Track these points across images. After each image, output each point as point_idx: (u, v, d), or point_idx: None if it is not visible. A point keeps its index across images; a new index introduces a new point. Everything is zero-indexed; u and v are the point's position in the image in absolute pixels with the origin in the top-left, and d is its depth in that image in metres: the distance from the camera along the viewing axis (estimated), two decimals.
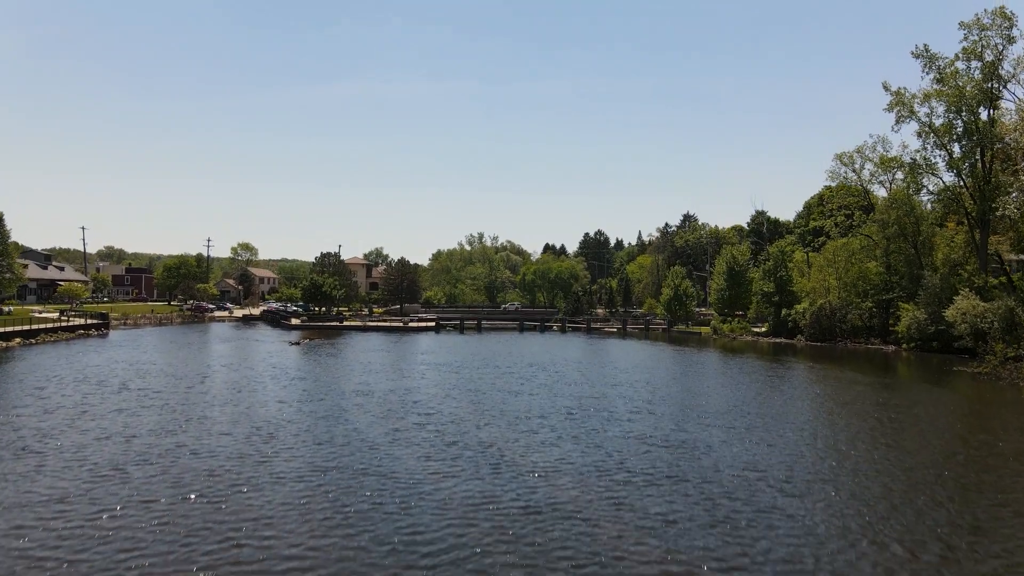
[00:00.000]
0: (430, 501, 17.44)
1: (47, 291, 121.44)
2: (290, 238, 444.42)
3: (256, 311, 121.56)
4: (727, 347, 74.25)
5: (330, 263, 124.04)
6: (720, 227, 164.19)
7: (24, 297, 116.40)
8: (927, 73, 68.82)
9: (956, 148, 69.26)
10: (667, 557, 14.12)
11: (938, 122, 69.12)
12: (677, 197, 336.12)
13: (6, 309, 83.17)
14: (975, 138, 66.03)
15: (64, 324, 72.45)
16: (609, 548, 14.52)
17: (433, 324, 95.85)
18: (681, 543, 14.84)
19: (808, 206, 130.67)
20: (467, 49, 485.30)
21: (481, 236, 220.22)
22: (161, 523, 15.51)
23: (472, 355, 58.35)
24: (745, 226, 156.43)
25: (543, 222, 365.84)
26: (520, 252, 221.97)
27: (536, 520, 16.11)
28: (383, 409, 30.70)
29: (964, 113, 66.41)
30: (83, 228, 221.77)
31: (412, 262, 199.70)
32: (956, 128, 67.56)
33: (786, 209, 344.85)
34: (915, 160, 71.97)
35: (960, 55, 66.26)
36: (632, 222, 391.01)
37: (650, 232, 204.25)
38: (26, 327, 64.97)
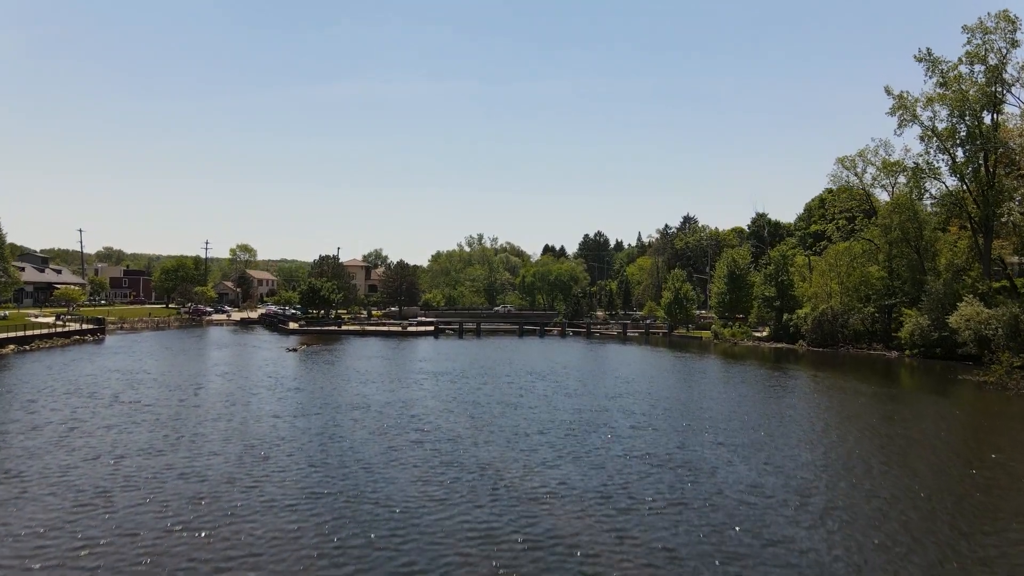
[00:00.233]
0: (425, 533, 16.79)
1: (44, 294, 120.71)
2: (290, 238, 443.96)
3: (254, 314, 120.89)
4: (728, 353, 73.62)
5: (328, 266, 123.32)
6: (720, 229, 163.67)
7: (21, 300, 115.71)
8: (930, 77, 68.21)
9: (959, 152, 68.68)
10: None
11: (941, 126, 68.56)
12: (677, 198, 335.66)
13: (2, 313, 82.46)
14: (978, 142, 65.40)
15: (59, 330, 71.72)
16: None
17: (432, 328, 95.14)
18: None
19: (809, 208, 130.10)
20: (467, 49, 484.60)
21: (481, 237, 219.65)
22: (144, 558, 14.86)
23: (471, 363, 57.69)
24: (745, 228, 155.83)
25: (542, 222, 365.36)
26: (519, 253, 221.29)
27: (535, 556, 15.47)
28: (379, 424, 30.04)
29: (968, 117, 65.81)
30: (80, 230, 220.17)
31: (411, 263, 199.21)
32: (959, 132, 66.97)
33: (787, 211, 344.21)
34: (918, 164, 71.40)
35: (963, 59, 65.63)
36: (632, 223, 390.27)
37: (650, 233, 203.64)
38: (20, 333, 64.23)
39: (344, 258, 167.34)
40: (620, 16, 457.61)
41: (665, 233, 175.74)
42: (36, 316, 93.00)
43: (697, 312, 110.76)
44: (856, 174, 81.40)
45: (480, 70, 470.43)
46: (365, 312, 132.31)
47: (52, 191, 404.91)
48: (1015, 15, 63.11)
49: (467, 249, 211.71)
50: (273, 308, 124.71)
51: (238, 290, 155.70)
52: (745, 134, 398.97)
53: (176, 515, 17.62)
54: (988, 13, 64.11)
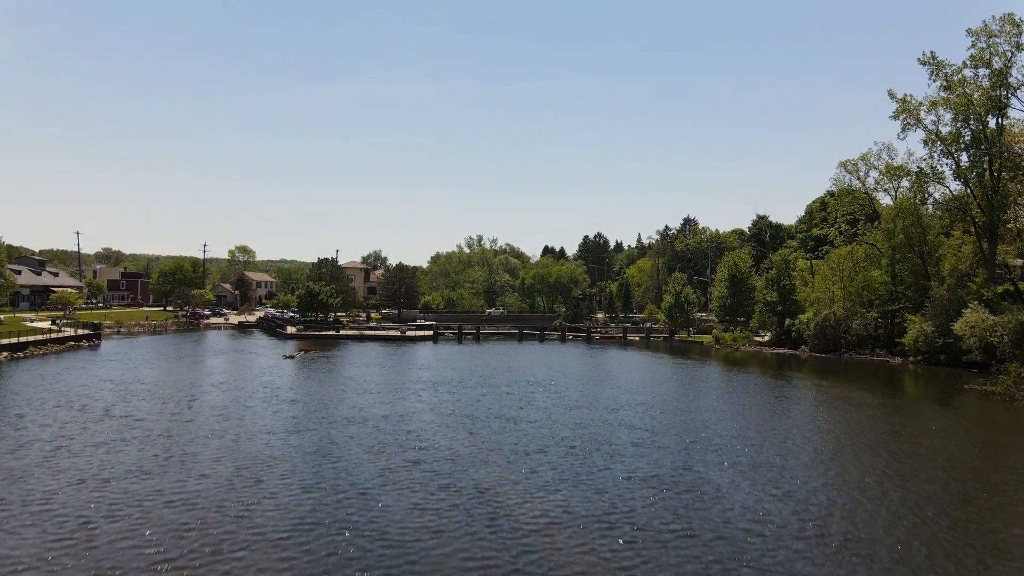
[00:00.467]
0: (420, 567, 16.05)
1: (40, 297, 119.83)
2: (289, 238, 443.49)
3: (252, 318, 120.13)
4: (730, 359, 72.90)
5: (327, 269, 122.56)
6: (720, 231, 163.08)
7: (17, 304, 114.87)
8: (934, 80, 67.57)
9: (964, 157, 67.99)
10: None
11: (945, 130, 67.88)
12: (677, 199, 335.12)
13: None
14: (983, 147, 64.70)
15: (54, 336, 70.96)
16: None
17: (431, 333, 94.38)
18: None
19: (810, 211, 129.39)
20: (467, 49, 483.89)
21: (480, 239, 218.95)
22: None
23: (470, 371, 56.94)
24: (746, 230, 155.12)
25: (542, 223, 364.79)
26: (519, 255, 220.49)
27: None
28: (375, 441, 29.31)
29: (972, 121, 65.10)
30: (78, 233, 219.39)
31: (411, 265, 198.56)
32: (964, 137, 66.28)
33: (787, 212, 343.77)
34: (921, 169, 70.71)
35: (968, 62, 64.97)
36: (632, 224, 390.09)
37: (650, 235, 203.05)
38: (14, 340, 63.46)
39: (343, 260, 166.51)
40: (620, 16, 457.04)
41: (665, 234, 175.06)
42: (32, 320, 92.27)
43: (698, 315, 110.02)
44: (859, 178, 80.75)
45: (480, 70, 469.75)
46: (364, 315, 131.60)
47: (51, 191, 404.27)
48: (1020, 18, 62.40)
49: (466, 250, 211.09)
50: (272, 311, 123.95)
51: (236, 292, 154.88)
52: (745, 135, 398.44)
53: (160, 550, 16.87)
54: (993, 16, 63.50)
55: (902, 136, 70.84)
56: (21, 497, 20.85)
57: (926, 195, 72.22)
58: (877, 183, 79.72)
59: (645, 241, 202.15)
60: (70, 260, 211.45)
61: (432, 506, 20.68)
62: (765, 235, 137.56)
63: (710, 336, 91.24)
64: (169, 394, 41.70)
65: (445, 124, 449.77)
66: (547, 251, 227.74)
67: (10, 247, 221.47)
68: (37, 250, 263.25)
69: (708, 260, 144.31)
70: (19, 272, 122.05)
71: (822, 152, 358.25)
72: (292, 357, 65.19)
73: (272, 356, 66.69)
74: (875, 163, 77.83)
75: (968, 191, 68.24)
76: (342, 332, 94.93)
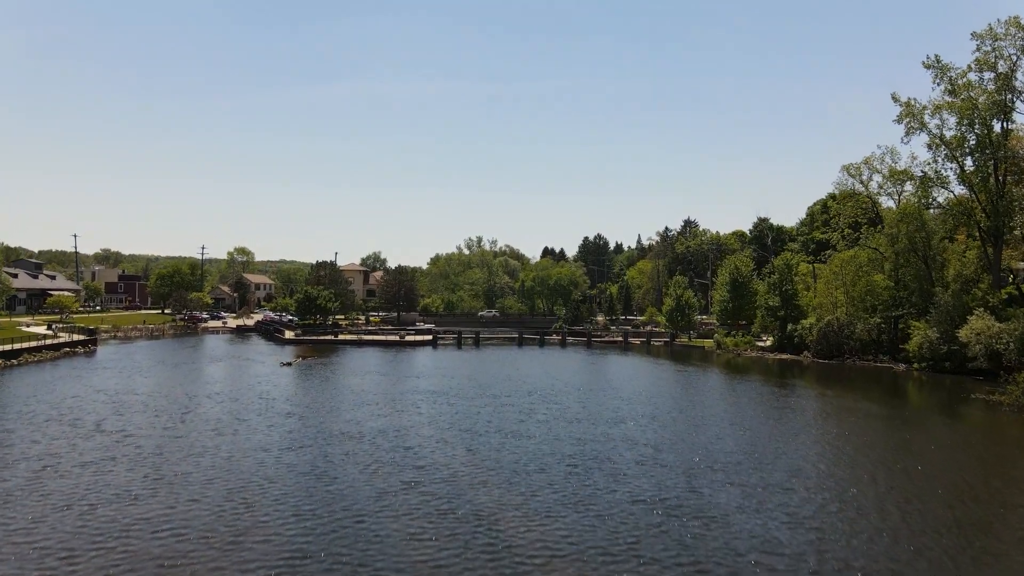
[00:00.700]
0: None
1: (37, 301, 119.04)
2: (289, 238, 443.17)
3: (250, 322, 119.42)
4: (732, 365, 72.18)
5: (325, 273, 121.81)
6: (721, 233, 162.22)
7: (13, 308, 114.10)
8: (938, 84, 67.01)
9: (968, 161, 67.27)
10: None
11: (949, 134, 67.20)
12: (677, 199, 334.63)
13: None
14: (988, 151, 64.00)
15: (49, 343, 70.17)
16: None
17: (430, 338, 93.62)
18: None
19: (812, 213, 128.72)
20: (467, 49, 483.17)
21: (480, 240, 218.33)
22: None
23: (468, 379, 56.19)
24: (747, 232, 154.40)
25: (542, 223, 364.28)
26: (519, 257, 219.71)
27: None
28: (372, 460, 28.55)
29: (977, 126, 64.43)
30: (75, 236, 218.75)
31: (411, 266, 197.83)
32: (969, 141, 65.59)
33: (788, 214, 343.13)
34: (925, 173, 70.00)
35: (972, 66, 64.39)
36: (632, 225, 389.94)
37: (650, 236, 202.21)
38: (8, 347, 62.64)
39: (342, 262, 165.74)
40: (621, 16, 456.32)
41: (665, 236, 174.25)
42: (28, 325, 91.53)
43: (698, 317, 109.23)
44: (862, 181, 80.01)
45: (480, 70, 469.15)
46: (363, 318, 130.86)
47: (51, 191, 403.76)
48: None
49: (466, 252, 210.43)
50: (271, 315, 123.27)
51: (235, 295, 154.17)
52: (745, 135, 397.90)
53: None
54: (998, 19, 62.99)
55: (906, 140, 70.14)
56: (3, 525, 20.11)
57: (930, 200, 71.49)
58: (880, 187, 79.06)
59: (645, 242, 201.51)
60: (69, 261, 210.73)
61: (429, 534, 19.94)
62: (767, 239, 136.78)
63: (712, 341, 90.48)
64: (162, 406, 40.96)
65: (445, 124, 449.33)
66: (547, 252, 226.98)
67: (8, 248, 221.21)
68: (36, 250, 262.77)
69: (709, 262, 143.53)
70: (15, 275, 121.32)
71: (823, 153, 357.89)
72: (289, 364, 64.44)
73: (269, 363, 65.94)
74: (878, 167, 77.19)
75: (973, 196, 67.54)
76: (340, 337, 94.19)
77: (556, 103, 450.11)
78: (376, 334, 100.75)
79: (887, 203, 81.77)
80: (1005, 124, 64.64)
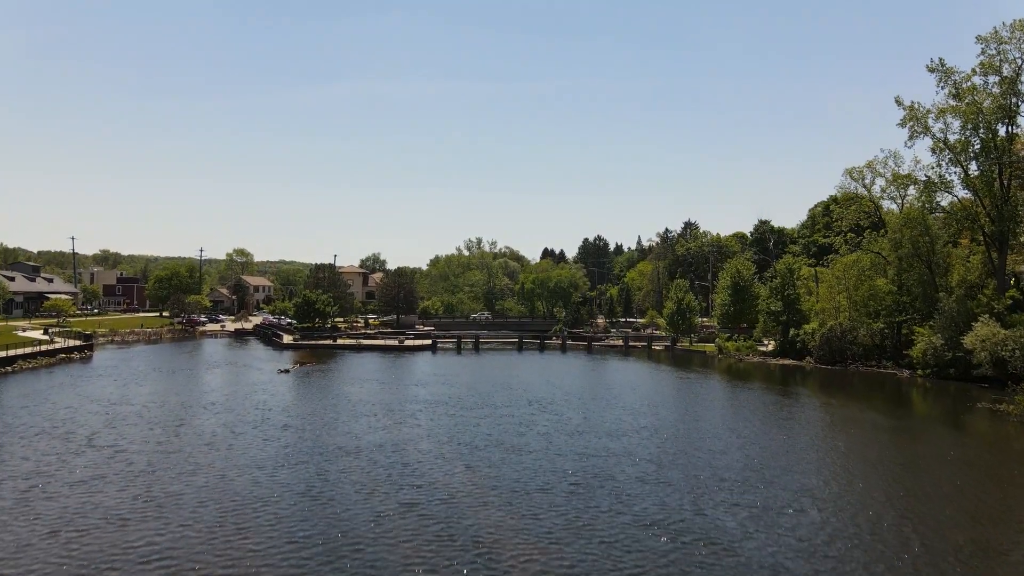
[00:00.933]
0: None
1: (35, 304, 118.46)
2: (289, 238, 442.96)
3: (249, 325, 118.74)
4: (734, 371, 71.51)
5: (324, 275, 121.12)
6: (722, 234, 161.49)
7: (10, 311, 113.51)
8: (942, 87, 66.25)
9: (973, 165, 66.60)
10: None
11: (953, 138, 66.54)
12: (677, 200, 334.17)
13: None
14: (993, 156, 63.32)
15: (44, 349, 69.46)
16: None
17: (429, 342, 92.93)
18: None
19: (813, 216, 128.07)
20: (467, 49, 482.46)
21: (480, 241, 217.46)
22: None
23: (468, 388, 55.49)
24: (748, 234, 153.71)
25: (542, 224, 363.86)
26: (518, 258, 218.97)
27: None
28: (369, 478, 27.89)
29: (982, 130, 63.74)
30: (73, 238, 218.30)
31: (410, 267, 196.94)
32: (973, 146, 64.89)
33: (789, 215, 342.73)
34: (929, 178, 69.31)
35: (977, 69, 63.63)
36: (632, 226, 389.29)
37: (650, 237, 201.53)
38: (3, 354, 61.96)
39: (342, 262, 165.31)
40: (622, 16, 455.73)
41: (666, 237, 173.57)
42: (24, 329, 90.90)
43: (699, 320, 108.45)
44: (864, 185, 79.37)
45: (480, 70, 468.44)
46: (362, 321, 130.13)
47: (50, 191, 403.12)
48: None
49: (466, 253, 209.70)
50: (270, 318, 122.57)
51: (233, 298, 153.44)
52: (746, 136, 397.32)
53: None
54: (1004, 23, 62.18)
55: (909, 144, 69.40)
56: None
57: (934, 205, 70.81)
58: (883, 191, 78.41)
59: (645, 244, 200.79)
60: (68, 262, 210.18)
61: (427, 561, 19.29)
62: (769, 242, 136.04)
63: (713, 345, 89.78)
64: (157, 417, 40.31)
65: (445, 124, 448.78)
66: (547, 254, 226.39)
67: (7, 249, 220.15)
68: (35, 251, 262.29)
69: (709, 264, 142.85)
70: (13, 278, 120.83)
71: (824, 154, 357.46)
72: (287, 371, 63.75)
73: (266, 370, 65.25)
74: (881, 170, 76.53)
75: (977, 200, 66.87)
76: (339, 342, 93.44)
77: (556, 103, 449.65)
78: (375, 339, 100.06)
79: (889, 206, 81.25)
80: (1010, 128, 63.96)
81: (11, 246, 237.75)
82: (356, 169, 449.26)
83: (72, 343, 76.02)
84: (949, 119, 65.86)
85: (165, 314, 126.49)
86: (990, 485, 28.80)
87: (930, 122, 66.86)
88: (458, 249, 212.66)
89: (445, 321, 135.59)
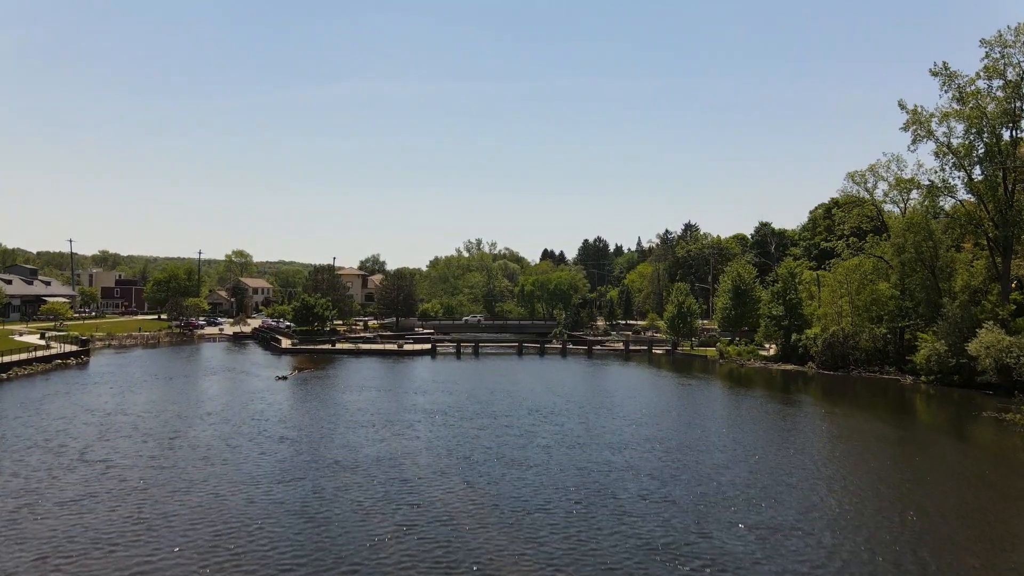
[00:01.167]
0: None
1: (32, 307, 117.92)
2: (289, 238, 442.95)
3: (247, 328, 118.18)
4: (735, 376, 70.97)
5: (323, 278, 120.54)
6: (722, 236, 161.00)
7: (8, 314, 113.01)
8: (945, 91, 65.77)
9: (976, 170, 66.10)
10: None
11: (956, 142, 66.01)
12: (677, 200, 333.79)
13: None
14: (997, 160, 62.78)
15: (40, 355, 68.85)
16: None
17: (429, 346, 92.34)
18: None
19: (814, 218, 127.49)
20: (467, 50, 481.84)
21: (479, 242, 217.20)
22: None
23: (468, 395, 54.90)
24: (748, 236, 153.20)
25: (541, 224, 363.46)
26: (518, 260, 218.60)
27: None
28: (366, 496, 27.29)
29: (986, 134, 63.21)
30: (71, 240, 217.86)
31: (410, 267, 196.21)
32: (977, 150, 64.38)
33: (789, 216, 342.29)
34: (933, 183, 68.79)
35: (981, 73, 63.11)
36: (632, 226, 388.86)
37: (650, 239, 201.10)
38: None
39: (342, 263, 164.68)
40: (622, 16, 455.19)
41: (666, 239, 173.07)
42: (21, 333, 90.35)
43: (700, 323, 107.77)
44: (867, 189, 78.83)
45: (480, 71, 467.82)
46: (361, 324, 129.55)
47: (49, 192, 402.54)
48: None
49: (465, 254, 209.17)
50: (269, 321, 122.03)
51: (232, 300, 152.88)
52: (746, 138, 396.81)
53: None
54: (1008, 26, 61.54)
55: (912, 148, 68.90)
56: None
57: (938, 209, 70.27)
58: (886, 195, 77.87)
59: (645, 245, 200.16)
60: (67, 263, 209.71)
61: None
62: (770, 245, 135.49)
63: (714, 349, 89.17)
64: (152, 429, 39.73)
65: (445, 124, 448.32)
66: (546, 255, 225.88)
67: (6, 250, 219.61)
68: (35, 251, 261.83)
69: (709, 267, 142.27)
70: (10, 281, 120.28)
71: (824, 156, 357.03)
72: (285, 378, 63.14)
73: (264, 377, 64.65)
74: (884, 174, 76.01)
75: (981, 205, 66.32)
76: (338, 346, 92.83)
77: (556, 103, 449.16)
78: (374, 342, 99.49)
79: (891, 210, 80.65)
80: (1014, 132, 63.42)
81: (10, 247, 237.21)
82: (356, 169, 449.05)
83: (68, 348, 75.52)
84: (953, 123, 65.45)
85: (163, 317, 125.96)
86: (1000, 502, 28.24)
87: (933, 126, 66.44)
88: (458, 250, 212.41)
89: (445, 324, 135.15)
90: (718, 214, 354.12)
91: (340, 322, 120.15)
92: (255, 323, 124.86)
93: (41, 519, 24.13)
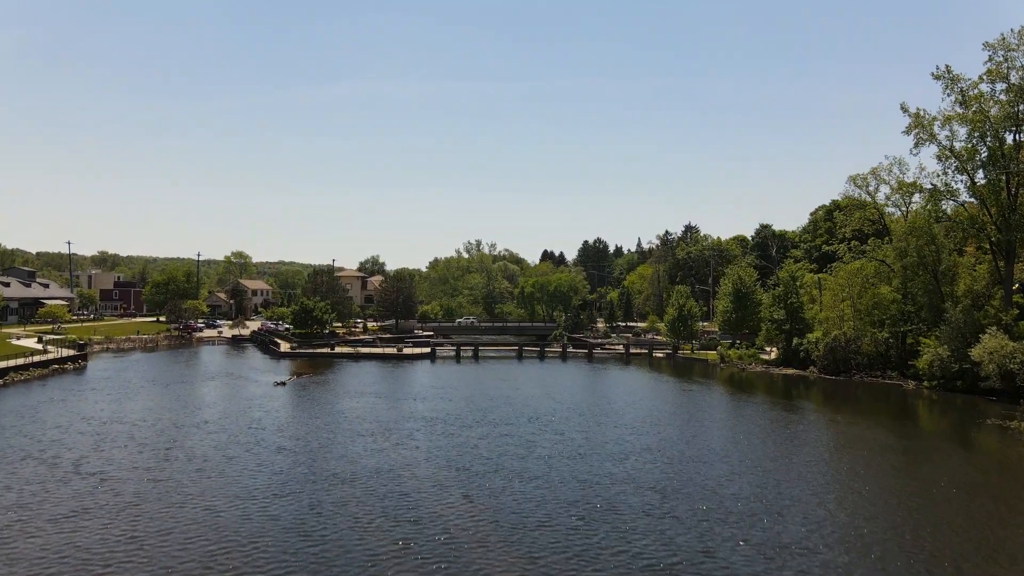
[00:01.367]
0: None
1: (30, 310, 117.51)
2: (289, 238, 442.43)
3: (246, 331, 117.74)
4: (736, 381, 70.54)
5: (322, 281, 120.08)
6: (722, 238, 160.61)
7: (5, 317, 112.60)
8: (948, 95, 65.36)
9: (980, 174, 65.69)
10: None
11: (959, 145, 65.61)
12: (677, 201, 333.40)
13: None
14: (1000, 164, 62.37)
15: (37, 360, 68.36)
16: None
17: (428, 350, 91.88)
18: None
19: (815, 220, 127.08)
20: (467, 50, 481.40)
21: (479, 243, 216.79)
22: None
23: (467, 402, 54.44)
24: (749, 238, 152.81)
25: (541, 225, 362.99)
26: (518, 261, 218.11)
27: None
28: (363, 511, 26.84)
29: (989, 138, 62.78)
30: (69, 243, 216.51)
31: (410, 268, 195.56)
32: (980, 154, 63.95)
33: (791, 218, 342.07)
34: (935, 186, 68.36)
35: (984, 77, 62.71)
36: (631, 227, 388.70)
37: (650, 239, 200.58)
38: None
39: (342, 262, 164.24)
40: (622, 16, 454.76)
41: (666, 240, 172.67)
42: (19, 337, 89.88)
43: (701, 325, 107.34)
44: (868, 192, 78.44)
45: (480, 71, 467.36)
46: (360, 326, 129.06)
47: (49, 192, 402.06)
48: None
49: (465, 255, 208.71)
50: (268, 324, 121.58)
51: (231, 302, 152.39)
52: (747, 139, 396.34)
53: None
54: (1012, 29, 61.23)
55: (915, 152, 68.78)
56: None
57: (940, 213, 69.86)
58: (888, 198, 77.47)
59: (645, 246, 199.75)
60: (66, 264, 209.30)
61: None
62: (771, 249, 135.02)
63: (715, 353, 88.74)
64: (147, 438, 39.29)
65: (445, 124, 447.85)
66: (546, 256, 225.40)
67: (5, 251, 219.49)
68: (34, 252, 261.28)
69: (710, 268, 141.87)
70: (8, 284, 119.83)
71: (824, 157, 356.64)
72: (283, 384, 62.69)
73: (263, 382, 64.21)
74: (885, 177, 75.66)
75: (984, 209, 65.90)
76: (337, 350, 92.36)
77: (556, 103, 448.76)
78: (374, 346, 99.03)
79: (894, 212, 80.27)
80: (1018, 136, 63.04)
81: (10, 247, 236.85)
82: (355, 169, 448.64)
83: (66, 353, 75.04)
84: (955, 126, 65.07)
85: (162, 319, 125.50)
86: (1007, 515, 27.81)
87: (936, 129, 66.04)
88: (457, 251, 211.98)
89: (445, 326, 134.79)
90: (718, 215, 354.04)
91: (339, 324, 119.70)
92: (254, 325, 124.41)
93: (32, 536, 23.69)
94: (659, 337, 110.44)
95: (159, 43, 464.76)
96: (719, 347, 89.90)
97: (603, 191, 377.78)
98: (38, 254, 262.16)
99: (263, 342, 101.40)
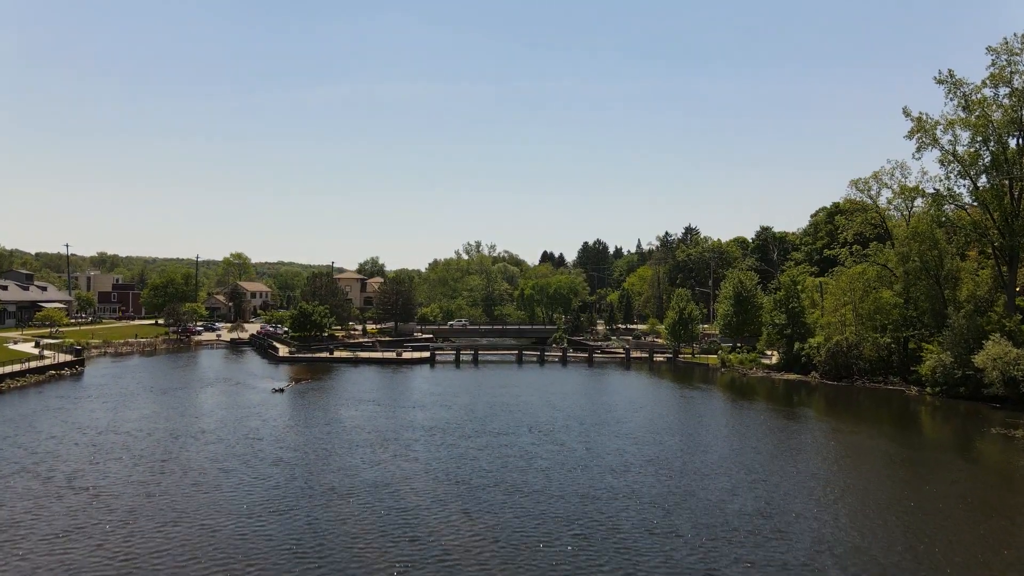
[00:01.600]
0: None
1: (28, 313, 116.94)
2: (288, 239, 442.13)
3: (245, 335, 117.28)
4: (737, 387, 70.14)
5: (321, 284, 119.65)
6: (723, 239, 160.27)
7: (3, 321, 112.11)
8: (951, 99, 65.04)
9: (983, 178, 65.29)
10: None
11: (961, 150, 65.23)
12: (677, 202, 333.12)
13: None
14: (1003, 169, 61.98)
15: (34, 365, 67.91)
16: None
17: (428, 355, 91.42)
18: None
19: (816, 223, 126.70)
20: (467, 51, 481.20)
21: (479, 245, 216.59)
22: None
23: (467, 410, 53.99)
24: (749, 240, 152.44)
25: (541, 226, 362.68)
26: (518, 262, 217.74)
27: None
28: (361, 529, 26.40)
29: (992, 143, 62.40)
30: (67, 244, 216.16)
31: (409, 269, 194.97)
32: (983, 158, 63.55)
33: (791, 220, 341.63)
34: (938, 191, 67.99)
35: (987, 81, 62.37)
36: (631, 229, 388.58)
37: (650, 241, 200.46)
38: None
39: (341, 264, 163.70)
40: (623, 18, 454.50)
41: (666, 241, 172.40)
42: (16, 341, 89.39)
43: (701, 327, 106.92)
44: (870, 196, 78.03)
45: (480, 72, 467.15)
46: (360, 328, 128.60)
47: (48, 193, 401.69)
48: None
49: (465, 257, 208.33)
50: (267, 327, 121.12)
51: (230, 304, 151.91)
52: (747, 140, 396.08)
53: None
54: (1015, 33, 60.91)
55: (917, 156, 68.08)
56: None
57: (943, 218, 69.47)
58: (890, 202, 77.07)
59: (645, 247, 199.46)
60: (65, 266, 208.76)
61: None
62: (772, 253, 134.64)
63: (716, 357, 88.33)
64: (143, 450, 38.84)
65: (445, 125, 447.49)
66: (546, 257, 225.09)
67: (3, 253, 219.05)
68: (33, 253, 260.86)
69: (710, 271, 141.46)
70: (5, 287, 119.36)
71: (825, 159, 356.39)
72: (282, 390, 62.21)
73: (261, 388, 63.76)
74: (887, 181, 75.31)
75: (987, 214, 65.51)
76: (336, 355, 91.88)
77: (556, 105, 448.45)
78: (373, 350, 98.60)
79: (894, 215, 79.87)
80: (1021, 141, 62.66)
81: (8, 248, 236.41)
82: (355, 170, 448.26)
83: (62, 358, 74.50)
84: (958, 131, 64.72)
85: (161, 322, 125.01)
86: (1014, 530, 27.38)
87: (938, 134, 65.69)
88: (457, 253, 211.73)
89: (444, 329, 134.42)
90: (718, 216, 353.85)
91: (338, 327, 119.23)
92: (253, 328, 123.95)
93: (24, 556, 23.23)
94: (659, 340, 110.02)
95: (158, 44, 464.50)
96: (720, 351, 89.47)
97: (603, 192, 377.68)
98: (37, 255, 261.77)
99: (262, 346, 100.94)
